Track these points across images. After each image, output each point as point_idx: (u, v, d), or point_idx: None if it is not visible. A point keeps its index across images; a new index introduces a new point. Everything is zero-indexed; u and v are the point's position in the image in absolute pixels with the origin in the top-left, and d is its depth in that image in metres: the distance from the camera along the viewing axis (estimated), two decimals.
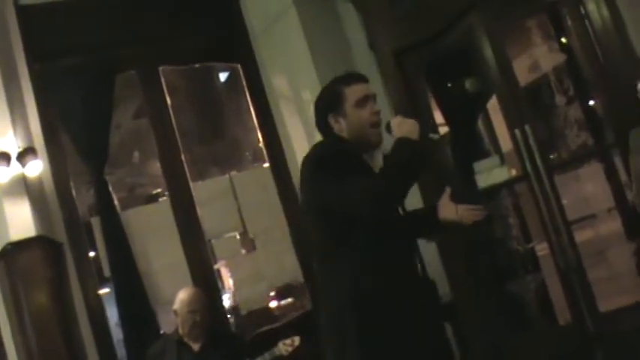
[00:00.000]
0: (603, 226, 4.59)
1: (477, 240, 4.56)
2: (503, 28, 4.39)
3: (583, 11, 4.03)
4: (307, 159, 2.65)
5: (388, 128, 2.63)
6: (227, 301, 5.95)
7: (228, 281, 6.20)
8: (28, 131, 4.68)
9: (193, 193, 5.30)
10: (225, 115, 8.16)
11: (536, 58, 4.94)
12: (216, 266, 5.63)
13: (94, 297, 4.77)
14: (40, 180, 4.63)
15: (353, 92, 2.66)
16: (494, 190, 4.72)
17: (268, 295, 5.87)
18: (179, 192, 5.27)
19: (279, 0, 5.21)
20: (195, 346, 4.22)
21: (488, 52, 4.28)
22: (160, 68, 5.42)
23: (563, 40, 4.78)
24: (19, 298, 4.25)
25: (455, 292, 4.54)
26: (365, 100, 2.66)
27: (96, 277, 4.88)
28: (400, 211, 2.69)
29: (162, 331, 4.90)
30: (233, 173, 5.98)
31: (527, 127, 4.14)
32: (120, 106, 6.29)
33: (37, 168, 4.49)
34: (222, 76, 7.74)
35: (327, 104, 2.70)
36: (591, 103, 4.84)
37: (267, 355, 4.21)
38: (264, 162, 5.83)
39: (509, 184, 4.65)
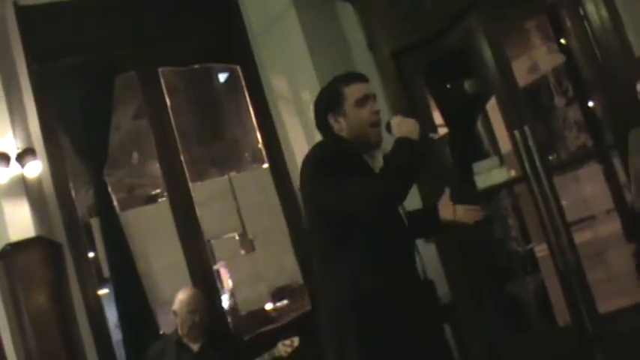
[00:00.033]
0: (602, 227, 4.60)
1: (476, 241, 4.56)
2: (503, 29, 4.39)
3: (582, 12, 4.04)
4: (307, 159, 2.64)
5: (388, 128, 2.62)
6: (226, 301, 5.95)
7: (228, 282, 6.20)
8: (27, 132, 4.68)
9: (192, 194, 5.30)
10: (224, 115, 8.15)
11: (536, 59, 4.95)
12: (215, 267, 5.62)
13: (94, 297, 4.76)
14: (39, 181, 4.63)
15: (353, 92, 2.66)
16: (493, 191, 4.73)
17: (267, 296, 5.87)
18: (178, 193, 5.27)
19: (278, 0, 5.21)
20: (195, 347, 4.22)
21: (487, 53, 4.28)
22: (160, 69, 5.42)
23: (563, 41, 4.79)
24: (19, 299, 4.25)
25: (454, 292, 4.55)
26: (365, 100, 2.65)
27: (95, 277, 4.88)
28: (400, 211, 2.68)
29: (161, 332, 4.90)
30: (232, 174, 5.97)
31: (526, 128, 4.15)
32: (119, 106, 6.28)
33: (36, 169, 4.49)
34: (222, 77, 7.74)
35: (327, 104, 2.70)
36: (590, 104, 4.85)
37: (266, 356, 4.21)
38: (263, 163, 5.83)
39: (508, 185, 4.65)
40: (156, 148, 5.37)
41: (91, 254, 5.01)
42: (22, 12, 4.90)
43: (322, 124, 2.71)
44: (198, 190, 5.41)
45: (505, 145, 4.58)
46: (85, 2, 5.12)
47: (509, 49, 4.43)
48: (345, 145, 2.64)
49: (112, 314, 5.06)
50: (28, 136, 4.66)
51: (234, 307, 5.74)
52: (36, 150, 4.56)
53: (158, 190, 7.77)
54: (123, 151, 7.94)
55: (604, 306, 4.05)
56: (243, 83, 5.71)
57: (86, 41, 5.10)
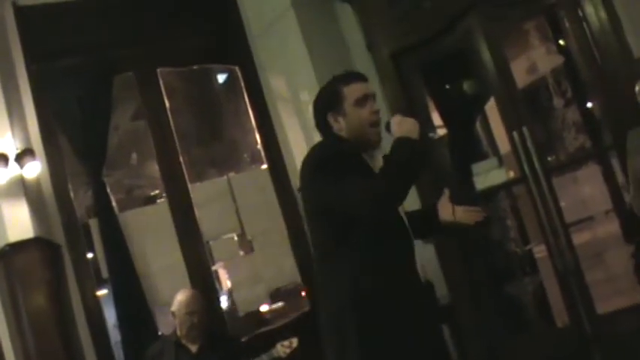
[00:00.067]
0: (601, 228, 4.61)
1: (474, 242, 4.56)
2: (501, 30, 4.40)
3: (581, 13, 4.04)
4: (306, 160, 2.64)
5: (388, 127, 2.61)
6: (225, 302, 5.95)
7: (226, 283, 6.20)
8: (26, 132, 4.67)
9: (191, 195, 5.29)
10: (223, 116, 8.16)
11: (534, 60, 4.95)
12: (214, 268, 5.62)
13: (92, 298, 4.75)
14: (38, 181, 4.62)
15: (352, 91, 2.65)
16: (492, 192, 4.73)
17: (266, 297, 5.86)
18: (177, 193, 5.26)
19: (277, 2, 5.21)
20: (193, 348, 4.22)
21: (486, 54, 4.29)
22: (158, 70, 5.42)
23: (561, 42, 4.80)
24: (17, 300, 4.24)
25: (452, 293, 4.55)
26: (364, 99, 2.64)
27: (94, 278, 4.87)
28: (400, 211, 2.68)
29: (160, 333, 4.90)
30: (231, 175, 5.97)
31: (525, 129, 4.15)
32: (118, 107, 6.27)
33: (35, 169, 4.48)
34: (221, 78, 7.74)
35: (326, 103, 2.69)
36: (589, 105, 4.85)
37: (264, 357, 4.21)
38: (262, 164, 5.83)
39: (507, 186, 4.66)
40: (155, 148, 5.36)
41: (89, 255, 5.01)
42: (20, 12, 4.89)
43: (321, 123, 2.71)
44: (197, 191, 5.41)
45: (504, 146, 4.58)
46: (84, 3, 5.11)
47: (508, 49, 4.44)
48: (344, 144, 2.63)
49: (110, 315, 5.05)
50: (26, 137, 4.65)
51: (232, 308, 5.74)
52: (35, 150, 4.55)
53: (157, 191, 7.77)
54: (122, 151, 7.94)
55: (602, 307, 4.06)
56: (242, 84, 5.71)
57: (85, 42, 5.09)
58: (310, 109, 2.79)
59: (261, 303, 5.82)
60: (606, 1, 3.93)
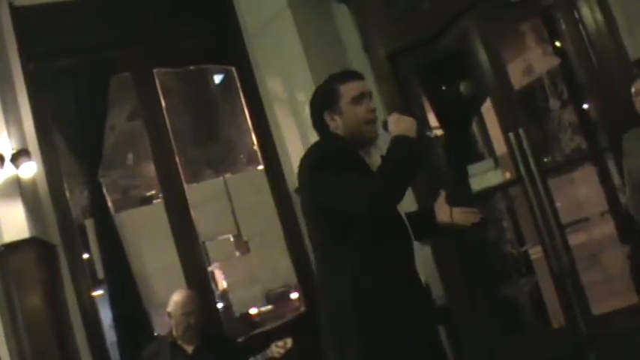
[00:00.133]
0: (597, 229, 4.61)
1: (471, 243, 4.56)
2: (498, 31, 4.40)
3: (577, 15, 4.05)
4: (304, 160, 2.64)
5: (385, 126, 2.61)
6: (220, 303, 5.94)
7: (222, 283, 6.19)
8: (21, 132, 4.67)
9: (187, 196, 5.29)
10: (219, 117, 8.14)
11: (531, 62, 4.95)
12: (210, 268, 5.61)
13: (88, 299, 4.75)
14: (33, 182, 4.61)
15: (348, 90, 2.65)
16: (488, 193, 4.73)
17: (262, 298, 5.85)
18: (173, 194, 5.26)
19: (273, 1, 5.21)
20: (189, 349, 4.21)
21: (482, 56, 4.29)
22: (155, 70, 5.41)
23: (557, 43, 4.80)
24: (12, 300, 4.23)
25: (449, 295, 4.55)
26: (361, 98, 2.65)
27: (89, 279, 4.87)
28: (399, 210, 2.68)
29: (156, 334, 4.88)
30: (227, 175, 5.96)
31: (521, 131, 4.16)
32: (114, 107, 6.25)
33: (30, 169, 4.47)
34: (217, 79, 7.72)
35: (323, 102, 2.70)
36: (585, 106, 4.85)
37: (259, 357, 4.20)
38: (258, 164, 5.82)
39: (503, 187, 4.66)
40: (151, 149, 5.36)
41: (85, 255, 4.99)
42: (17, 12, 4.88)
43: (318, 122, 2.71)
44: (193, 192, 5.40)
45: (500, 147, 4.59)
46: (80, 3, 5.11)
47: (504, 51, 4.45)
48: (341, 142, 2.64)
49: (106, 315, 5.04)
50: (22, 137, 4.64)
51: (228, 309, 5.73)
52: (30, 151, 4.54)
53: (153, 192, 7.74)
54: (118, 152, 7.91)
55: (598, 308, 4.06)
56: (239, 85, 5.71)
57: (81, 42, 5.08)
58: (306, 109, 2.79)
59: (258, 303, 5.81)
60: (602, 3, 3.94)
